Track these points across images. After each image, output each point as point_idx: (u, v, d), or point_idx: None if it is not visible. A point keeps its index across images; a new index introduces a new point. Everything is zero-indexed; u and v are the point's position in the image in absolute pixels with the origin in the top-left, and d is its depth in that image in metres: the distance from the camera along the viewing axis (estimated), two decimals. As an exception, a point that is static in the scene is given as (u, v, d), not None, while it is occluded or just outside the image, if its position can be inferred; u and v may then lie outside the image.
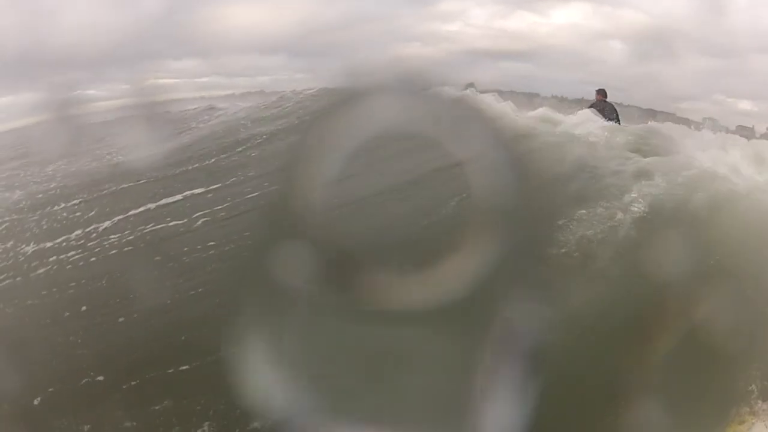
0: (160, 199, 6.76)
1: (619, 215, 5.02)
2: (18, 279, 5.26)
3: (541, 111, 9.66)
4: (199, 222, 5.95)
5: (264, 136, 9.19)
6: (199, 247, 5.43)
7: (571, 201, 5.30)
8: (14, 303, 4.82)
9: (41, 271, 5.27)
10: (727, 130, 11.53)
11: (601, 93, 9.55)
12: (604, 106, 9.31)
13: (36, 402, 3.82)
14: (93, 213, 6.64)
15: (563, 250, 4.54)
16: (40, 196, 8.01)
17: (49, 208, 6.93)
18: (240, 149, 8.78)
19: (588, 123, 8.03)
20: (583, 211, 5.14)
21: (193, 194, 6.92)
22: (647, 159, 6.14)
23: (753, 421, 2.17)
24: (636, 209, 5.09)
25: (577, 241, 4.66)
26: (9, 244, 6.03)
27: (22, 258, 5.62)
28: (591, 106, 9.41)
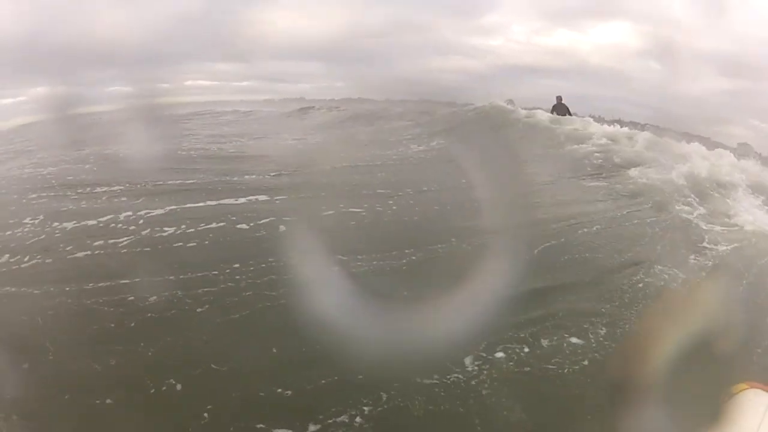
0: (222, 198, 5.77)
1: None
2: (48, 261, 4.14)
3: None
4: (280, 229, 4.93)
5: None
6: (271, 259, 4.36)
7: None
8: (43, 288, 3.70)
9: (81, 254, 4.15)
10: (760, 156, 11.54)
11: (559, 98, 14.58)
12: (561, 107, 14.23)
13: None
14: (140, 201, 5.61)
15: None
16: (71, 176, 7.03)
17: (89, 188, 5.88)
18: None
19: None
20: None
21: (258, 200, 5.94)
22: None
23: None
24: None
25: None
26: (38, 220, 4.93)
27: (59, 234, 4.51)
28: (553, 109, 14.40)
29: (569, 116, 14.08)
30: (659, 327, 3.29)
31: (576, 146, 11.15)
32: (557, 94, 15.01)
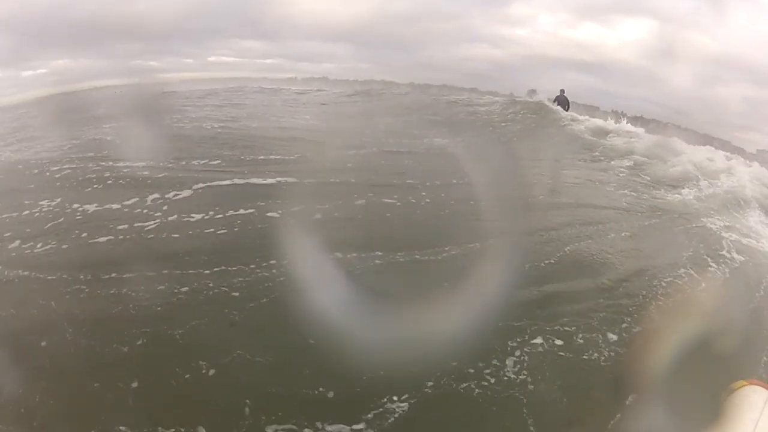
0: (249, 177, 5.43)
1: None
2: (65, 246, 3.83)
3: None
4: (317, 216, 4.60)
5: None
6: (306, 250, 4.04)
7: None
8: (55, 274, 3.40)
9: (103, 239, 3.84)
10: (778, 163, 11.76)
11: (562, 91, 15.24)
12: (563, 99, 14.88)
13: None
14: (163, 176, 5.27)
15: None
16: (91, 153, 6.73)
17: (111, 162, 5.56)
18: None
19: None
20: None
21: (287, 182, 5.59)
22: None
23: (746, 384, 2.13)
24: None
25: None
26: (55, 201, 4.62)
27: (80, 217, 4.19)
28: (555, 99, 14.97)
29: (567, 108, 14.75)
30: (672, 327, 3.55)
31: (616, 156, 10.78)
32: (561, 87, 15.72)
